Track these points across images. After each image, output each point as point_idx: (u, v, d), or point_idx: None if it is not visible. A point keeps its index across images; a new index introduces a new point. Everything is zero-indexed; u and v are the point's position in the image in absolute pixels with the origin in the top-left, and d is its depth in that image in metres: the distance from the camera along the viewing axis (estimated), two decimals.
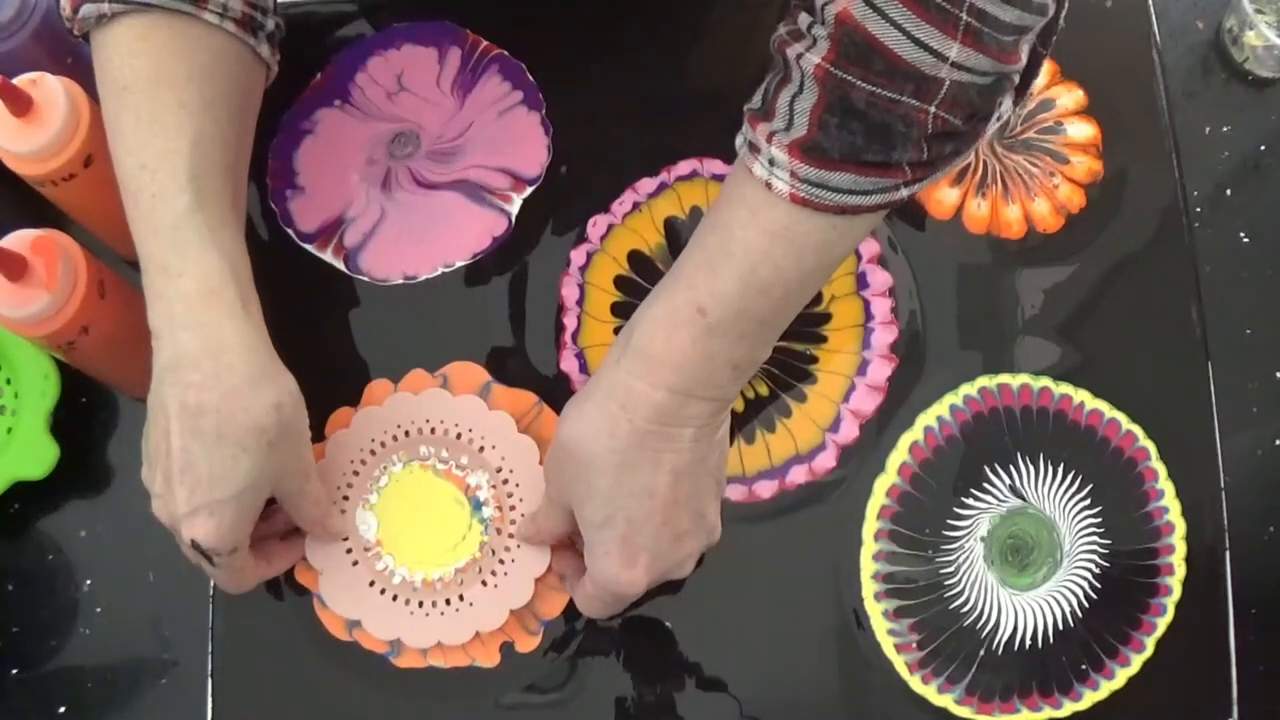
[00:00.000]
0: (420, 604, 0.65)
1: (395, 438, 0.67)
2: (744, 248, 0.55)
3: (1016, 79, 0.54)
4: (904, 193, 0.54)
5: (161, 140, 0.58)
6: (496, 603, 0.65)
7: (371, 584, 0.65)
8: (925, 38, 0.49)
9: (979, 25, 0.49)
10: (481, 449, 0.66)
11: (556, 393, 0.69)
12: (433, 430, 0.67)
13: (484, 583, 0.65)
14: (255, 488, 0.58)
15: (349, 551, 0.66)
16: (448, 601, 0.65)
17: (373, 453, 0.67)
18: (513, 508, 0.66)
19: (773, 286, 0.56)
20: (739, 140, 0.56)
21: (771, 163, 0.53)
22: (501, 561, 0.65)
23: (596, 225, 0.72)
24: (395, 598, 0.65)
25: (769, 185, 0.54)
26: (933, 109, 0.51)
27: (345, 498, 0.66)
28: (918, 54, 0.49)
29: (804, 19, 0.53)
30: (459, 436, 0.67)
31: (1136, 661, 0.67)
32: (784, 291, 0.56)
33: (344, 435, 0.67)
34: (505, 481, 0.66)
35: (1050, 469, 0.69)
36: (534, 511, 0.64)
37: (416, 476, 0.67)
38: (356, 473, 0.67)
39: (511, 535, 0.65)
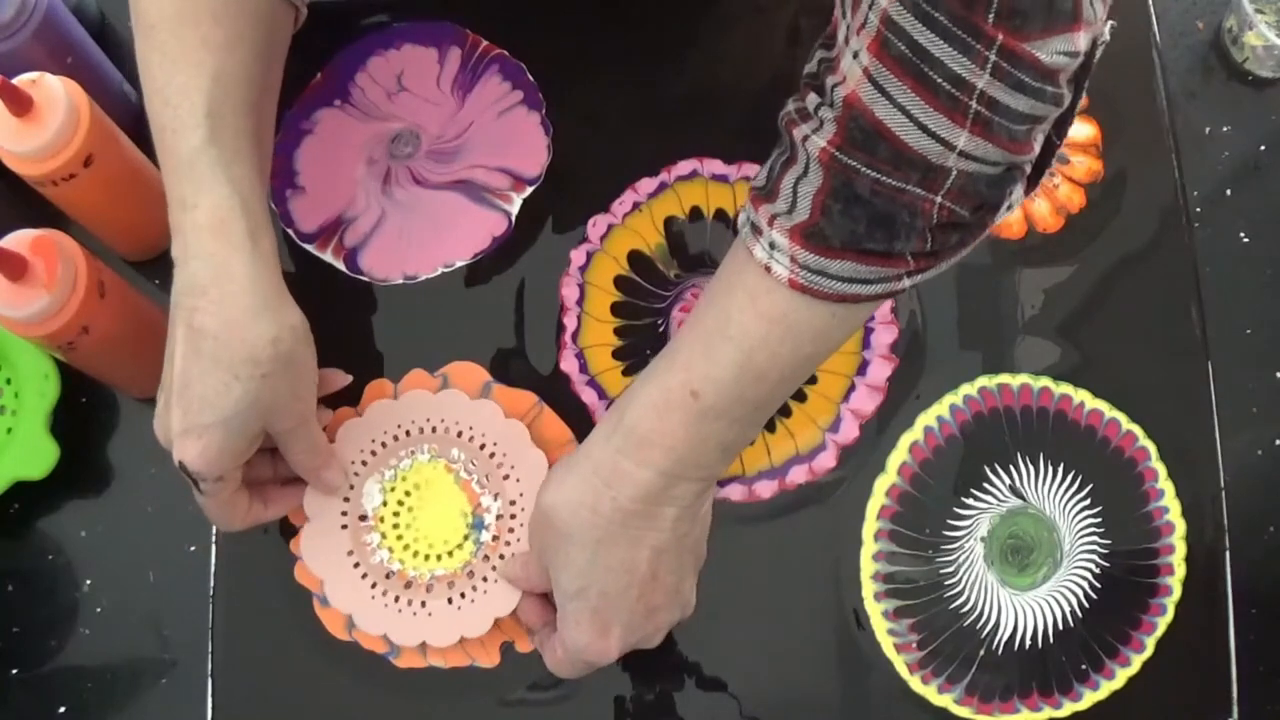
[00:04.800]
0: (385, 592, 0.65)
1: (435, 429, 0.67)
2: (741, 332, 0.54)
3: (1028, 168, 0.52)
4: (906, 283, 0.53)
5: (183, 77, 0.58)
6: (452, 625, 0.64)
7: (350, 553, 0.65)
8: (933, 125, 0.48)
9: (989, 114, 0.48)
10: (506, 476, 0.66)
11: (556, 393, 0.69)
12: (470, 439, 0.67)
13: (450, 600, 0.65)
14: (245, 416, 0.58)
15: (344, 514, 0.66)
16: (409, 602, 0.65)
17: (407, 433, 0.67)
18: (508, 543, 0.65)
19: (769, 373, 0.55)
20: (741, 218, 0.55)
21: (772, 246, 0.53)
22: (475, 588, 0.65)
23: (596, 225, 0.72)
24: (365, 576, 0.65)
25: (769, 269, 0.53)
26: (939, 199, 0.49)
27: (364, 463, 0.66)
28: (925, 141, 0.48)
29: (812, 99, 0.52)
30: (491, 455, 0.66)
31: (1136, 661, 0.67)
32: (779, 377, 0.55)
33: (387, 405, 0.67)
34: (514, 516, 0.66)
35: (1050, 469, 0.69)
36: (524, 556, 0.64)
37: (438, 475, 0.66)
38: (384, 445, 0.66)
39: (494, 568, 0.65)
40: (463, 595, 0.65)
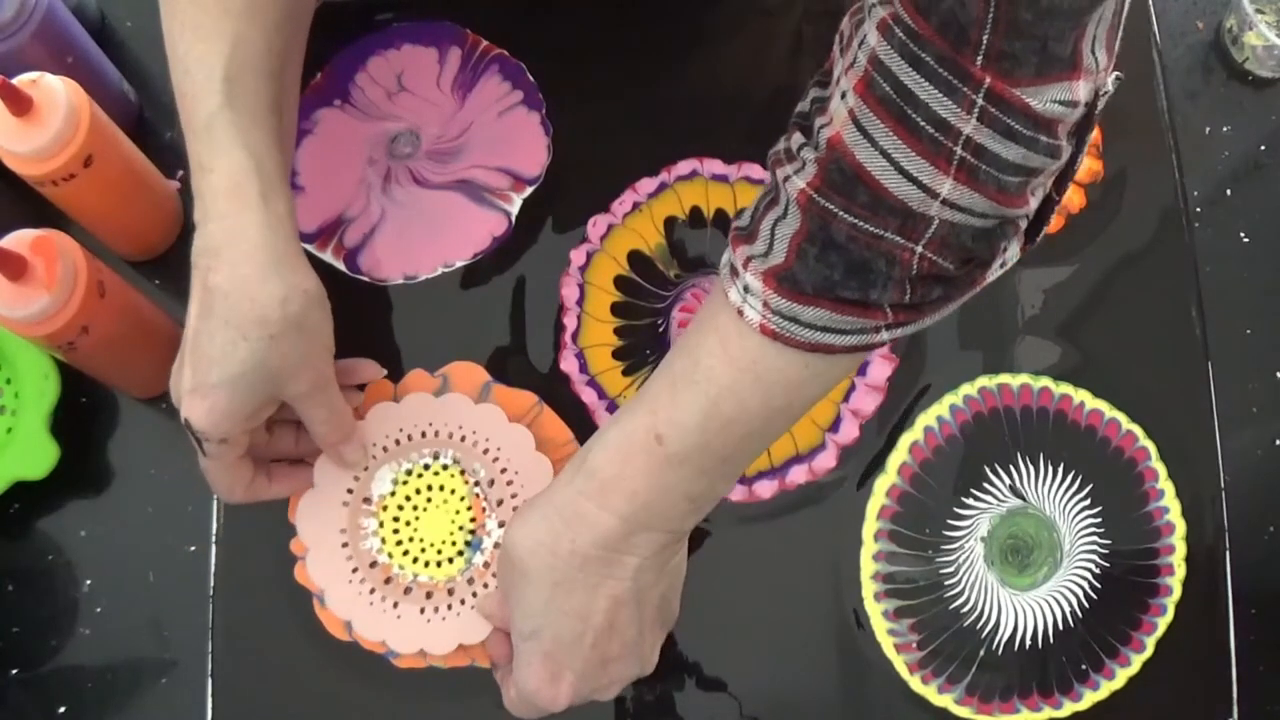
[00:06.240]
0: (363, 581, 0.64)
1: (464, 438, 0.66)
2: (708, 377, 0.52)
3: (1023, 224, 0.50)
4: (884, 336, 0.50)
5: (203, 45, 0.58)
6: (417, 636, 0.64)
7: (342, 531, 0.65)
8: (915, 170, 0.46)
9: (975, 161, 0.46)
10: (517, 508, 0.65)
11: (556, 393, 0.69)
12: (495, 459, 0.66)
13: (422, 610, 0.64)
14: (252, 378, 0.57)
15: (349, 492, 0.65)
16: (383, 599, 0.64)
17: (436, 434, 0.66)
18: (494, 574, 0.65)
19: (736, 422, 0.53)
20: (723, 259, 0.53)
21: (746, 290, 0.50)
22: (450, 606, 0.64)
23: (596, 225, 0.72)
24: (350, 558, 0.65)
25: (741, 313, 0.51)
26: (919, 248, 0.47)
27: (385, 449, 0.66)
28: (905, 187, 0.46)
29: (797, 139, 0.50)
30: (509, 483, 0.66)
31: (1136, 661, 0.67)
32: (747, 430, 0.53)
33: (425, 400, 0.66)
34: None
35: (1050, 469, 0.69)
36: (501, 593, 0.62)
37: (454, 483, 0.66)
38: (410, 438, 0.66)
39: (475, 594, 0.64)
40: (436, 610, 0.64)
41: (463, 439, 0.66)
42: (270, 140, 0.59)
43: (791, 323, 0.50)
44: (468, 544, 0.65)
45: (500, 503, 0.65)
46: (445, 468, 0.66)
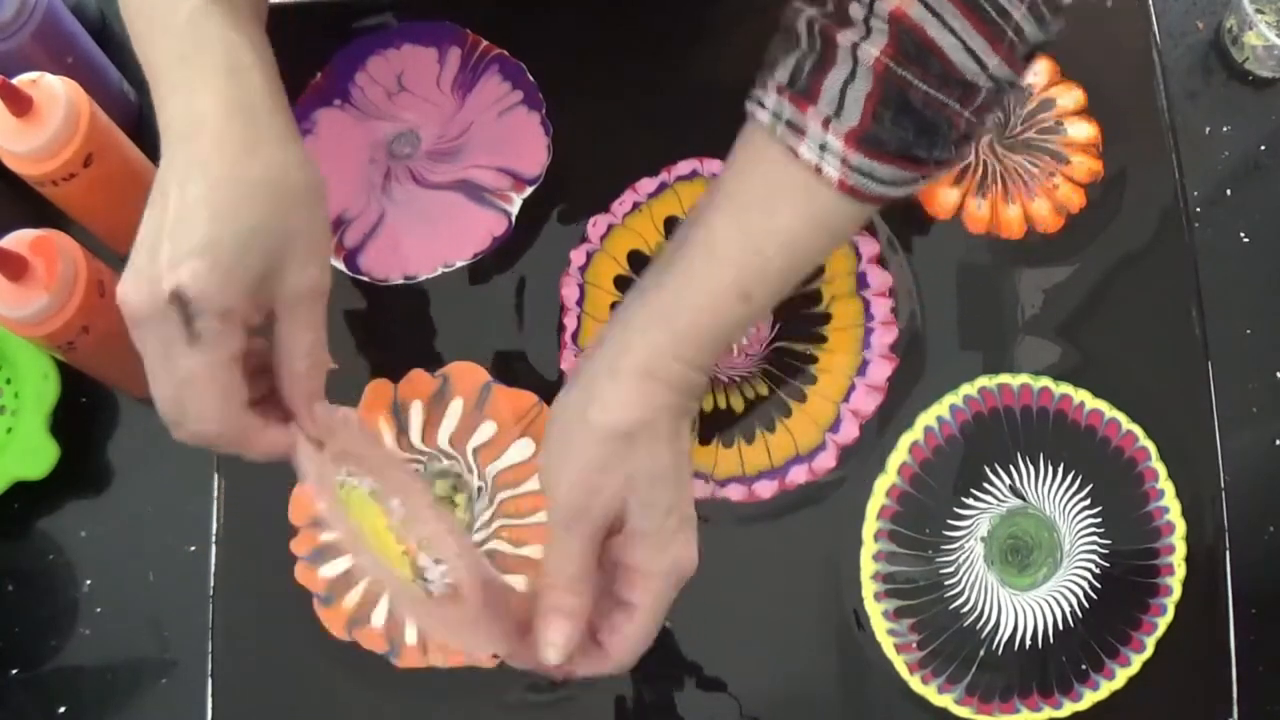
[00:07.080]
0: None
1: (451, 469, 0.64)
2: (790, 233, 0.55)
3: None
4: (920, 185, 0.55)
5: None
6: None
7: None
8: (976, 47, 0.51)
9: (1017, 40, 0.52)
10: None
11: (557, 393, 0.69)
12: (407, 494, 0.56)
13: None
14: (248, 237, 0.50)
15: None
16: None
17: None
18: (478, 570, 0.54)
19: (801, 271, 0.57)
20: (765, 114, 0.55)
21: (823, 148, 0.54)
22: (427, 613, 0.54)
23: (596, 225, 0.72)
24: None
25: (819, 170, 0.54)
26: (967, 114, 0.53)
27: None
28: (969, 63, 0.52)
29: (856, 9, 0.53)
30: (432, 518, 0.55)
31: (1136, 661, 0.67)
32: (799, 277, 0.57)
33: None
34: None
35: (1050, 469, 0.69)
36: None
37: (374, 517, 0.55)
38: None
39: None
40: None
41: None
42: (262, 37, 0.56)
43: (868, 179, 0.54)
44: (422, 577, 0.55)
45: (424, 541, 0.55)
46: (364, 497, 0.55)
